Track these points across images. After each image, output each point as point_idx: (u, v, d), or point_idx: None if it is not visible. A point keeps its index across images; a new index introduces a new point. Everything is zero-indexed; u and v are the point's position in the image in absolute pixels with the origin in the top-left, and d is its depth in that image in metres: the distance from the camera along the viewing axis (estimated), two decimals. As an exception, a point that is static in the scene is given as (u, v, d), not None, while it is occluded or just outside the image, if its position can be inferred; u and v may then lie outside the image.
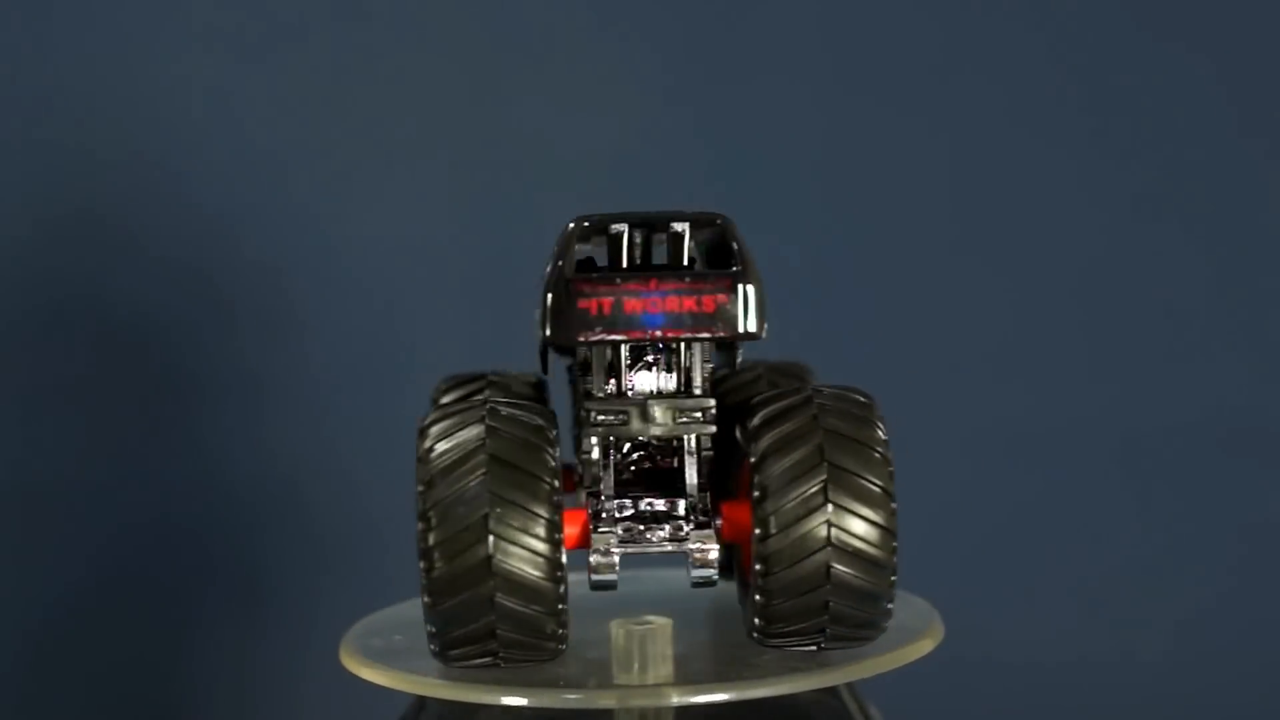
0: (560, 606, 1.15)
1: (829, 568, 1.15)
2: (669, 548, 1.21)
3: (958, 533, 1.87)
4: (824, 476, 1.15)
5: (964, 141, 1.97)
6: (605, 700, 1.18)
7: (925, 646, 1.26)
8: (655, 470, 1.25)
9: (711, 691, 1.18)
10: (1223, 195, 1.98)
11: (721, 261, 1.19)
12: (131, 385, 1.83)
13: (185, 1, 1.84)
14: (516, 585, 1.13)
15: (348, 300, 1.77)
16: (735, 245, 1.18)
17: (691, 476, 1.22)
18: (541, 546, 1.13)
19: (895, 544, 1.16)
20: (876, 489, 1.15)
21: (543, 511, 1.13)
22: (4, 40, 1.80)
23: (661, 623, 1.23)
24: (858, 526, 1.15)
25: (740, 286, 1.16)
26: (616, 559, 1.19)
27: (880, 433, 1.18)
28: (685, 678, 1.21)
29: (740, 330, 1.16)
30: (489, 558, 1.11)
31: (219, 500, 1.85)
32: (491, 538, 1.12)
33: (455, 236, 1.86)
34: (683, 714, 1.26)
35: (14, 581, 1.82)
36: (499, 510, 1.12)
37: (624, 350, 1.21)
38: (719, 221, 1.19)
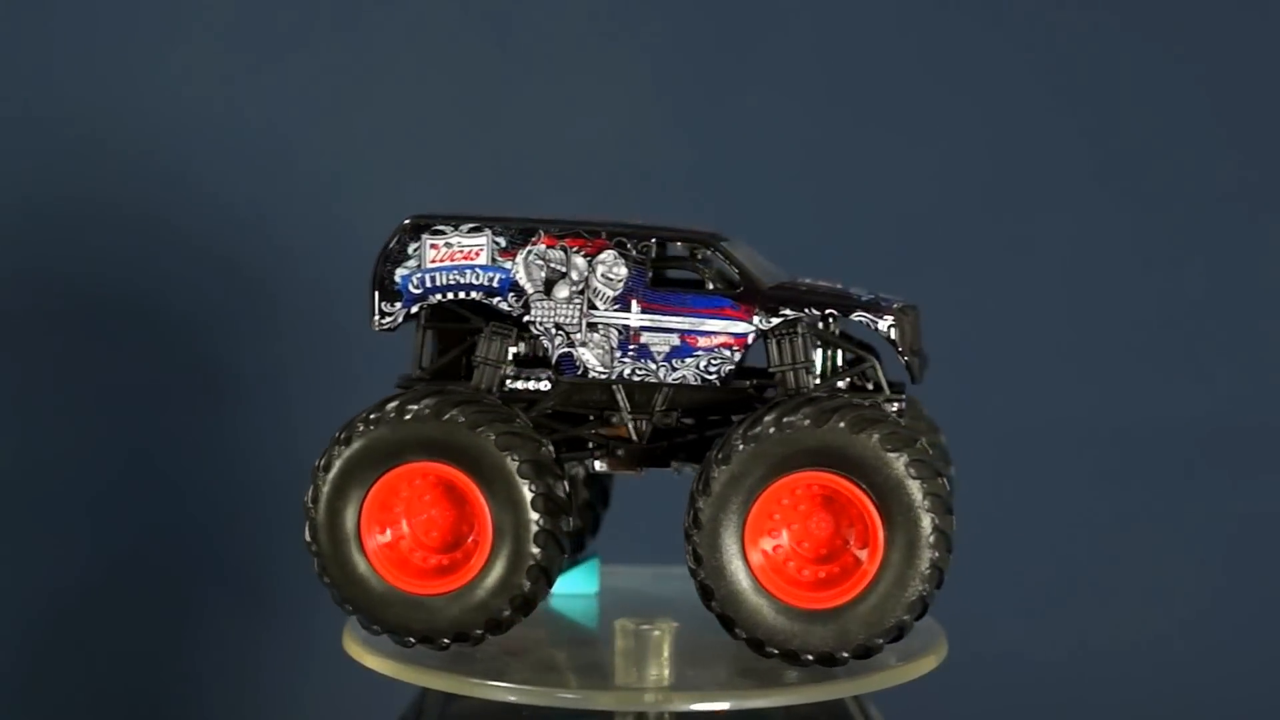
0: None
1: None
2: None
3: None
4: None
5: (952, 143, 1.95)
6: (604, 701, 1.17)
7: (930, 663, 1.27)
8: None
9: (711, 699, 1.17)
10: (1211, 195, 1.96)
11: None
12: (135, 382, 1.83)
13: (185, 6, 1.83)
14: None
15: (347, 300, 1.77)
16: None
17: None
18: None
19: None
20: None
21: None
22: (9, 35, 1.79)
23: (665, 625, 1.22)
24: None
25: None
26: None
27: None
28: (686, 681, 1.21)
29: None
30: None
31: (223, 496, 1.85)
32: None
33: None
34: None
35: (18, 578, 1.81)
36: None
37: None
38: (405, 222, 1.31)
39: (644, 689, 1.18)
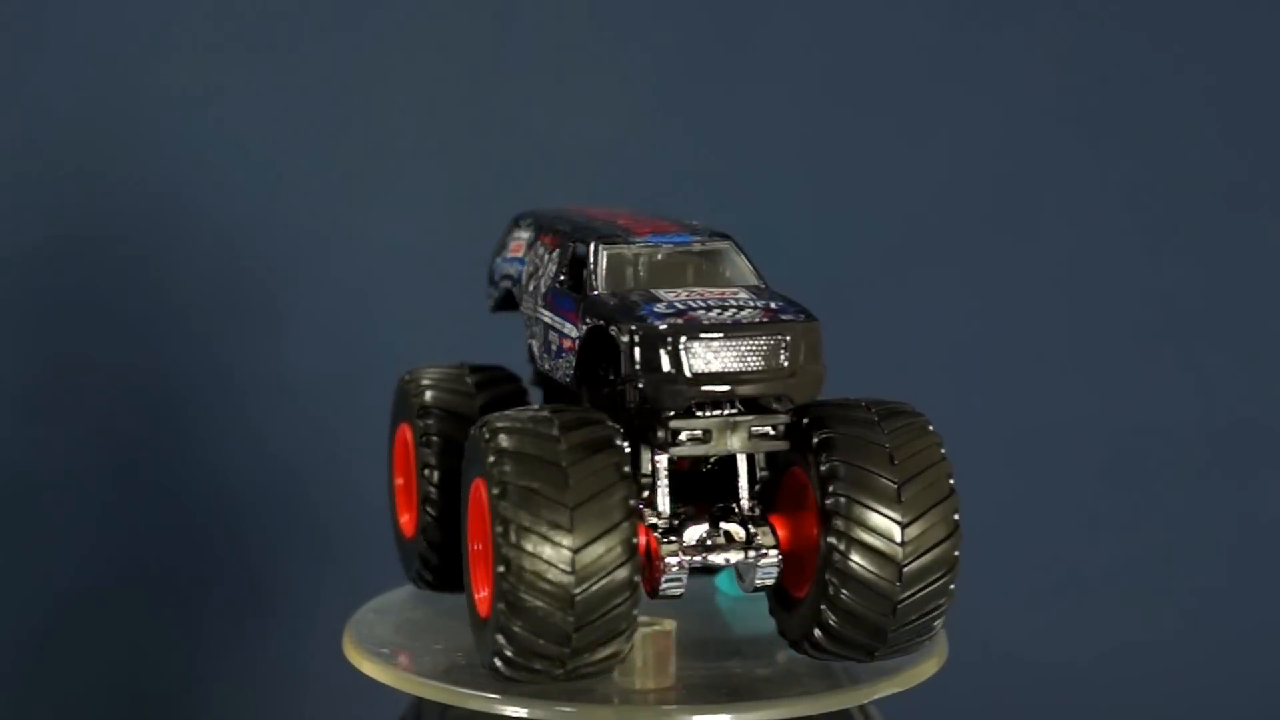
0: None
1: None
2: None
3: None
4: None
5: (953, 146, 1.95)
6: (603, 716, 1.16)
7: (931, 668, 1.26)
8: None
9: (712, 711, 1.16)
10: (1212, 197, 1.96)
11: None
12: (134, 385, 1.83)
13: (181, 8, 1.82)
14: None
15: (347, 301, 1.78)
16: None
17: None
18: None
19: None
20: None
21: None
22: (1, 47, 1.79)
23: (666, 625, 1.21)
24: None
25: None
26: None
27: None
28: (687, 681, 1.20)
29: None
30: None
31: (222, 498, 1.85)
32: None
33: (450, 238, 1.84)
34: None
35: (17, 579, 1.82)
36: None
37: None
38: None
39: (644, 702, 1.17)
